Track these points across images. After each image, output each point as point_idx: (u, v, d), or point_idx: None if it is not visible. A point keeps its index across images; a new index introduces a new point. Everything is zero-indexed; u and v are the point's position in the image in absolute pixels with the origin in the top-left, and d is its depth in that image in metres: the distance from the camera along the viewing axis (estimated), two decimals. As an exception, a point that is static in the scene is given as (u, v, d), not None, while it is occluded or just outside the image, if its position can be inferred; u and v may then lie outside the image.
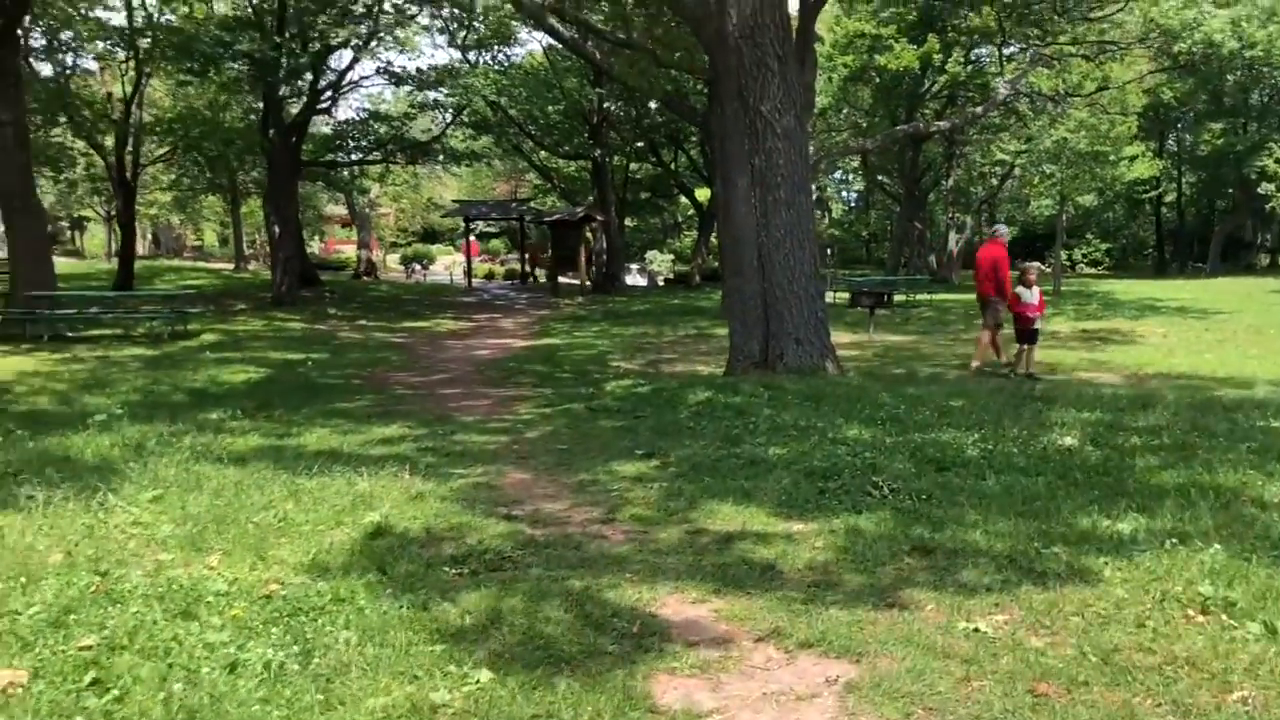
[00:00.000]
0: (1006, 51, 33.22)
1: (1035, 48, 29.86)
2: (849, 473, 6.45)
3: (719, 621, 4.10)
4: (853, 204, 65.09)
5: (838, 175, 58.16)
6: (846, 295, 26.12)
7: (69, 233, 66.22)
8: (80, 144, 31.30)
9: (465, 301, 31.47)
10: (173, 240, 65.92)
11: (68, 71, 30.84)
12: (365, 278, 41.77)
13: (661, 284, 40.45)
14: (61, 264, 48.22)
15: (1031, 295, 13.04)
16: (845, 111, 41.21)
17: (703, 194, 40.65)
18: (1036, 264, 15.40)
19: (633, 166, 41.31)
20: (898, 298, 27.46)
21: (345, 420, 9.45)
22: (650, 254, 46.35)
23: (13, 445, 7.53)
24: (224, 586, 4.28)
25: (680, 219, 53.58)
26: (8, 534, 5.09)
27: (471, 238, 54.66)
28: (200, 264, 51.56)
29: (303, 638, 3.70)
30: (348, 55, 28.98)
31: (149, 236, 67.65)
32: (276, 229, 28.55)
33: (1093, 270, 52.52)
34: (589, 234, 36.58)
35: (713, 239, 35.52)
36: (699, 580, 4.57)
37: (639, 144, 38.42)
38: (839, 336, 15.41)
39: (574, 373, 14.13)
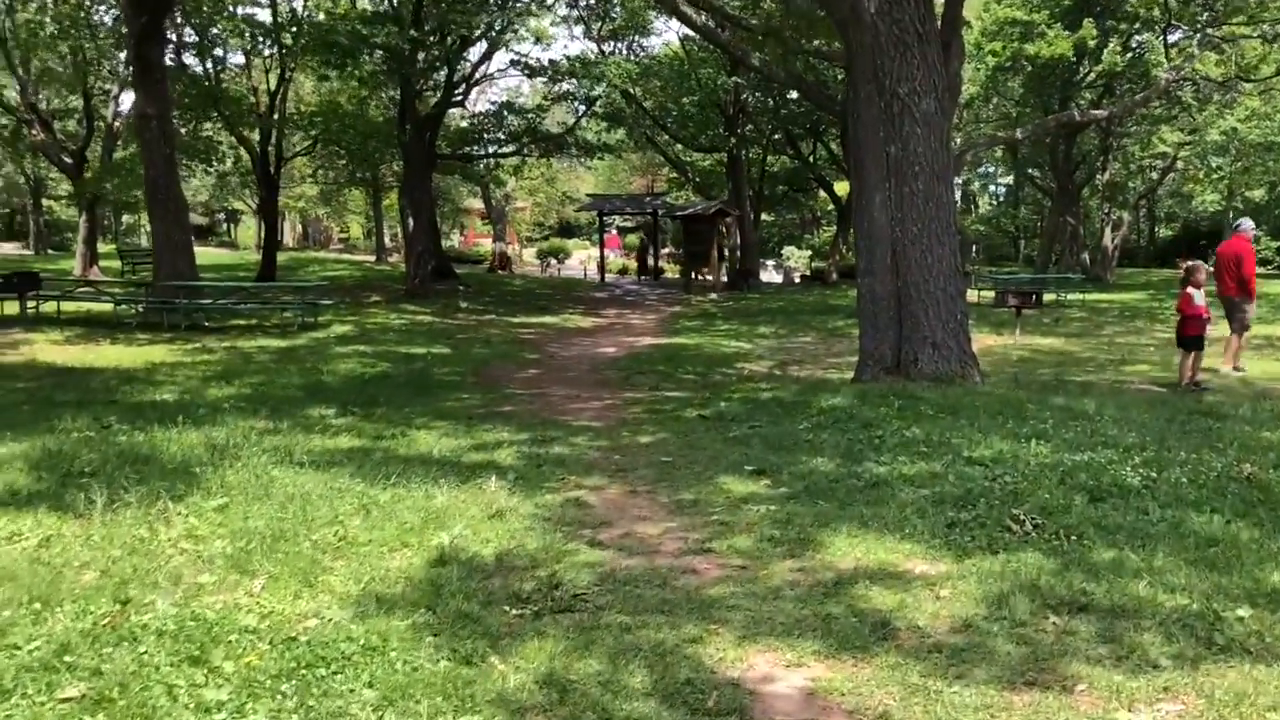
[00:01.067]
0: (1171, 37, 30.98)
1: (1204, 31, 27.69)
2: (986, 501, 5.61)
3: (815, 696, 3.38)
4: (1000, 198, 62.48)
5: (984, 169, 55.88)
6: (991, 294, 24.69)
7: (225, 225, 69.19)
8: (230, 138, 32.21)
9: (597, 297, 31.15)
10: (320, 233, 68.06)
11: (219, 68, 31.76)
12: (500, 271, 41.99)
13: (797, 281, 39.36)
14: (215, 255, 50.50)
15: (1200, 298, 11.75)
16: (995, 102, 39.32)
17: (842, 188, 39.34)
18: (1203, 263, 14.01)
19: (769, 159, 40.32)
20: (1047, 297, 25.80)
21: (448, 421, 9.02)
22: (787, 250, 45.27)
23: (104, 441, 7.31)
24: (253, 622, 3.80)
25: (818, 214, 52.27)
26: (53, 544, 4.75)
27: (613, 231, 54.62)
28: (345, 256, 52.99)
29: (310, 699, 3.15)
30: (481, 47, 28.94)
31: (299, 229, 70.14)
32: (410, 222, 28.80)
33: (1263, 270, 48.94)
34: (723, 229, 35.83)
35: (851, 234, 34.38)
36: (799, 636, 3.87)
37: (776, 136, 37.43)
38: (981, 339, 14.33)
39: (695, 374, 13.48)
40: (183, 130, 31.81)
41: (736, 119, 33.90)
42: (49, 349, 15.54)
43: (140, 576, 4.30)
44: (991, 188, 63.34)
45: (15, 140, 39.76)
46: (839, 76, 26.53)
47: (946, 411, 8.39)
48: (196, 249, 58.32)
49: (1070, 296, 27.50)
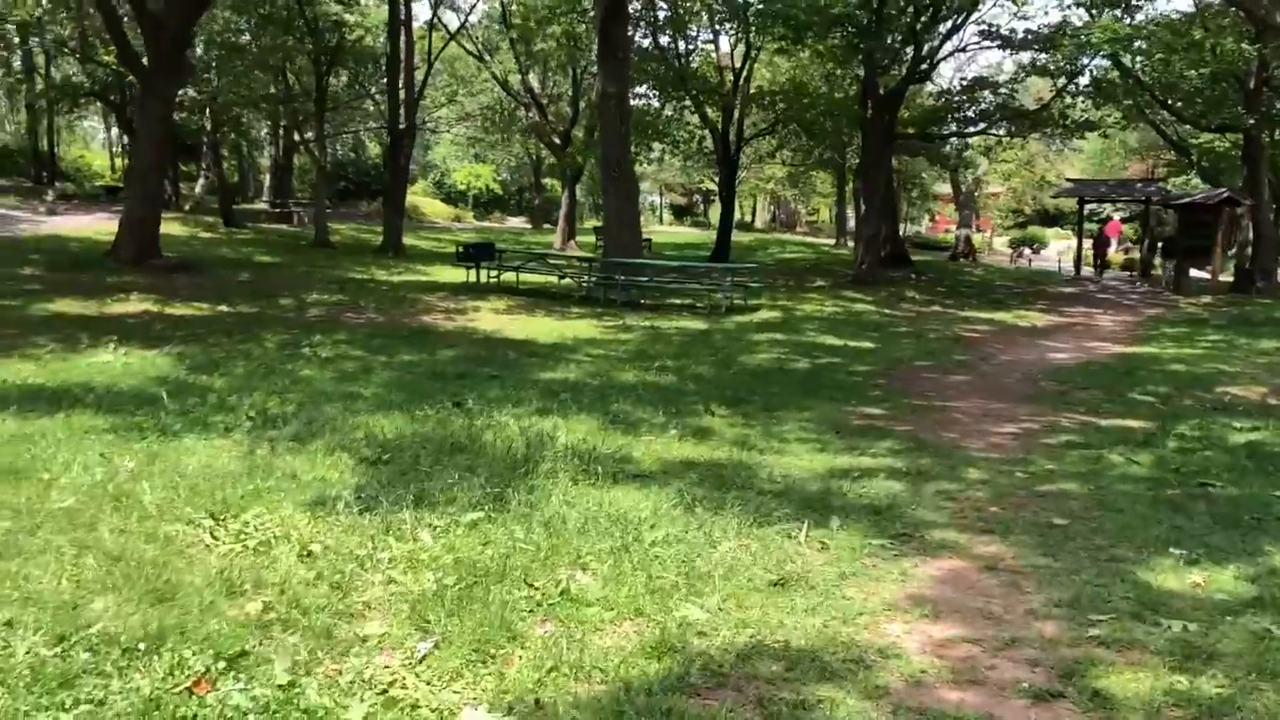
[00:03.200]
0: None
1: None
2: None
3: None
4: None
5: None
6: None
7: (700, 204, 72.06)
8: (695, 118, 32.78)
9: (1066, 293, 27.90)
10: (788, 215, 68.66)
11: (690, 47, 32.41)
12: (961, 259, 39.38)
13: (1327, 286, 32.78)
14: (685, 234, 52.63)
15: None
16: None
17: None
18: None
19: (1301, 142, 33.87)
20: None
21: (819, 432, 7.75)
22: (1317, 248, 37.95)
23: (443, 423, 6.93)
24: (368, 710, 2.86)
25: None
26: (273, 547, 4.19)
27: (1116, 218, 49.21)
28: (808, 239, 52.82)
29: None
30: (952, 20, 26.71)
31: (769, 211, 71.36)
32: (863, 204, 27.50)
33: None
34: (1231, 221, 30.58)
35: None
36: None
37: (1311, 113, 31.25)
38: None
39: (1154, 397, 10.96)
40: (652, 108, 32.96)
41: (1259, 94, 28.61)
42: (489, 317, 16.29)
43: (300, 619, 3.57)
44: None
45: (511, 122, 43.83)
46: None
47: None
48: (672, 228, 61.36)
49: None
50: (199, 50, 30.55)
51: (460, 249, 21.32)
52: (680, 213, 70.64)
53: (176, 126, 34.83)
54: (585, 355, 12.28)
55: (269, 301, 16.54)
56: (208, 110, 32.43)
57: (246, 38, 32.21)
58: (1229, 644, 3.77)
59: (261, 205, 42.35)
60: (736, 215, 60.04)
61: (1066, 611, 4.12)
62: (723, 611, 3.86)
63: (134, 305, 14.59)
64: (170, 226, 31.11)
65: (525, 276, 21.60)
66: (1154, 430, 8.15)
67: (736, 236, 42.56)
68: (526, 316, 16.59)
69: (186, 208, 37.20)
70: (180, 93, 28.99)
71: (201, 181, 39.62)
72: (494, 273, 21.25)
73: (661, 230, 55.38)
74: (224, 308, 15.30)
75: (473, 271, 21.01)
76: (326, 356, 10.54)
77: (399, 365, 10.19)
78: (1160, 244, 35.43)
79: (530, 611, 3.75)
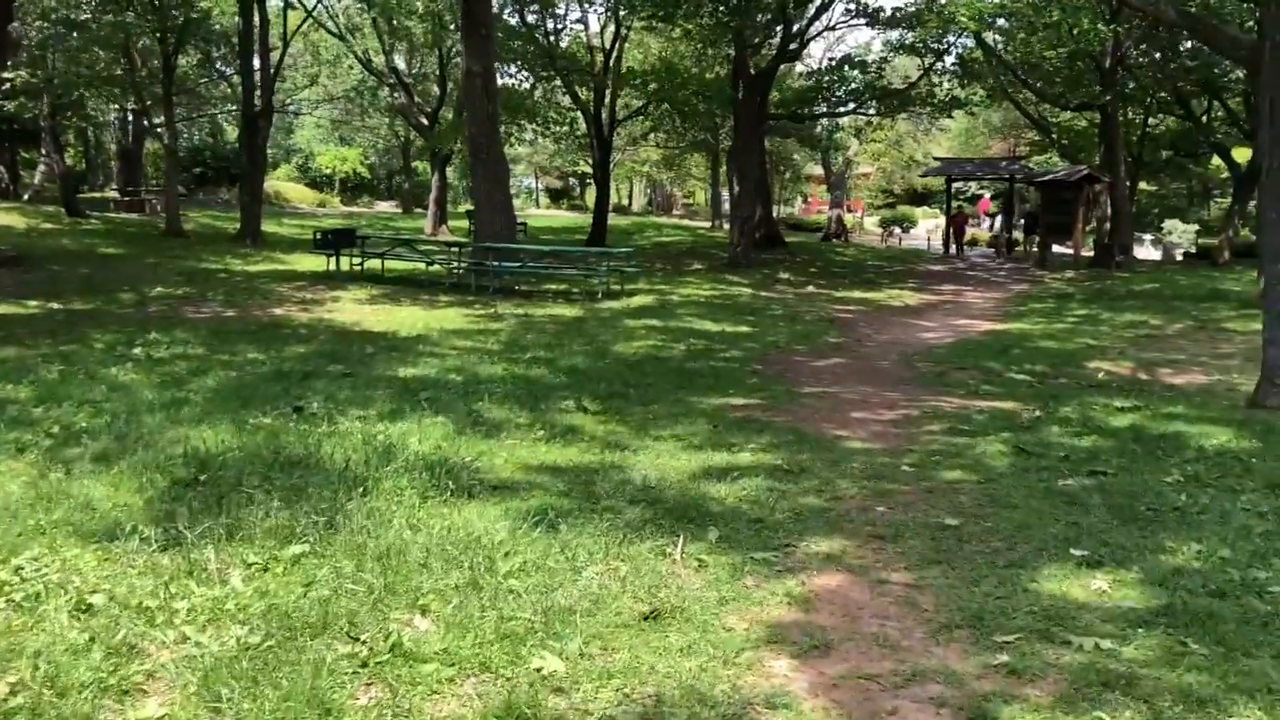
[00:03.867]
0: None
1: None
2: None
3: None
4: None
5: None
6: None
7: (576, 188, 71.25)
8: (566, 98, 32.05)
9: (935, 270, 28.23)
10: (664, 198, 68.45)
11: (559, 26, 31.65)
12: (834, 240, 39.68)
13: (1179, 259, 34.07)
14: (562, 217, 51.81)
15: None
16: None
17: (1242, 154, 33.47)
18: None
19: (1151, 121, 35.00)
20: None
21: (693, 426, 7.26)
22: (1169, 223, 39.45)
23: (275, 435, 6.20)
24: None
25: (1211, 184, 45.36)
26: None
27: (986, 196, 50.18)
28: (684, 222, 52.57)
29: None
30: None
31: (646, 194, 71.02)
32: (735, 187, 27.25)
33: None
34: (1090, 198, 31.45)
35: (1250, 208, 28.94)
36: None
37: (1161, 94, 32.26)
38: None
39: (1031, 375, 10.85)
40: (522, 88, 32.11)
41: (1114, 73, 29.40)
42: (349, 308, 15.39)
43: (68, 689, 2.87)
44: None
45: (375, 103, 42.31)
46: (1248, 22, 22.00)
47: None
48: (548, 211, 60.46)
49: None
50: (28, 28, 28.35)
51: (318, 236, 20.18)
52: (556, 196, 69.71)
53: (6, 109, 32.56)
54: (450, 348, 11.56)
55: (107, 297, 15.29)
56: (43, 94, 30.25)
57: (85, 15, 30.14)
58: (1145, 666, 3.39)
59: (111, 193, 39.94)
60: (614, 199, 59.60)
61: (969, 633, 3.70)
62: (585, 658, 3.30)
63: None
64: (8, 217, 29.02)
65: (392, 264, 20.66)
66: (1039, 413, 7.90)
67: (613, 220, 42.00)
68: (391, 306, 15.74)
69: (25, 197, 34.84)
70: (10, 74, 26.97)
71: (41, 169, 37.14)
72: (357, 260, 20.24)
73: (537, 214, 54.42)
74: (54, 305, 14.06)
75: (333, 260, 19.95)
76: (159, 357, 9.59)
77: (239, 365, 9.32)
78: (1024, 220, 36.29)
79: (352, 674, 3.12)
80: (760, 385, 9.72)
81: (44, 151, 36.07)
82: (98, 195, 39.85)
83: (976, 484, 5.71)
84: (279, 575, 3.91)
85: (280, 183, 51.67)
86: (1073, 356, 12.79)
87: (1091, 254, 31.16)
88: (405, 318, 14.33)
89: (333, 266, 19.92)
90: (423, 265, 20.39)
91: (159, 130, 32.88)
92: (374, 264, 20.18)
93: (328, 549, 4.15)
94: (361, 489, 4.92)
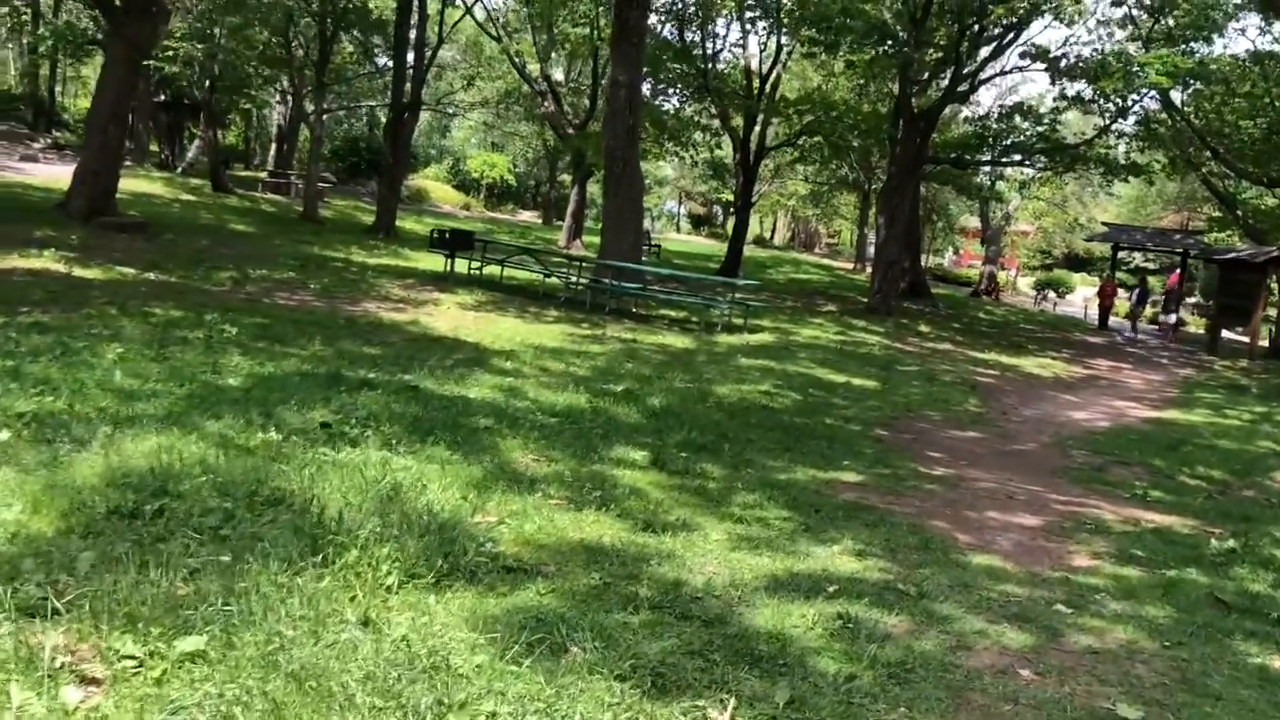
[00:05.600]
0: None
1: None
2: None
3: None
4: None
5: None
6: None
7: (719, 215, 70.10)
8: (715, 121, 30.92)
9: (1091, 343, 25.95)
10: (808, 234, 66.72)
11: (716, 46, 30.59)
12: (984, 296, 37.47)
13: (1366, 362, 30.79)
14: (698, 243, 50.70)
15: None
16: None
17: None
18: None
19: (1352, 208, 31.81)
20: None
21: (789, 506, 5.89)
22: (1353, 321, 35.81)
23: (262, 457, 5.09)
24: None
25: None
26: None
27: (1177, 271, 46.59)
28: (825, 261, 50.87)
29: None
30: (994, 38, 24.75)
31: (790, 229, 69.38)
32: (883, 229, 25.61)
33: None
34: (1275, 283, 28.66)
35: None
36: None
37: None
38: None
39: (1207, 484, 9.07)
40: (667, 106, 31.12)
41: (1317, 149, 26.67)
42: (449, 312, 14.46)
43: None
44: None
45: (529, 110, 41.93)
46: None
47: None
48: (688, 237, 59.57)
49: None
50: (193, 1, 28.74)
51: (435, 235, 19.44)
52: (698, 223, 68.79)
53: (173, 84, 33.22)
54: (537, 367, 10.42)
55: (207, 272, 14.73)
56: (202, 67, 30.66)
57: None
58: None
59: (262, 174, 40.61)
60: (756, 231, 58.23)
61: None
62: None
63: (37, 262, 12.77)
64: (156, 186, 29.46)
65: (512, 272, 19.79)
66: (1230, 542, 6.23)
67: (752, 252, 40.68)
68: (494, 315, 14.74)
69: (179, 169, 35.55)
70: (174, 45, 27.31)
71: (197, 143, 37.95)
72: (476, 264, 19.42)
73: (676, 238, 53.50)
74: (150, 275, 13.49)
75: (451, 261, 19.18)
76: (216, 341, 8.70)
77: (295, 360, 8.35)
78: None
79: None
80: (881, 457, 8.24)
81: (202, 126, 36.82)
82: (249, 174, 40.56)
83: (1160, 650, 4.16)
84: (147, 684, 2.73)
85: (429, 181, 52.03)
86: (1256, 464, 10.85)
87: (1270, 344, 28.37)
88: (503, 330, 13.28)
89: (450, 268, 19.16)
90: (540, 277, 19.45)
91: (309, 115, 33.09)
92: (494, 270, 19.33)
93: (231, 650, 2.95)
94: (321, 556, 3.71)
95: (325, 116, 40.55)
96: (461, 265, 19.35)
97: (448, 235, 19.06)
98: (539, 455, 6.13)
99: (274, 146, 45.55)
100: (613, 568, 4.25)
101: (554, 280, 19.17)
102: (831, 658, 3.61)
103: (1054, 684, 3.70)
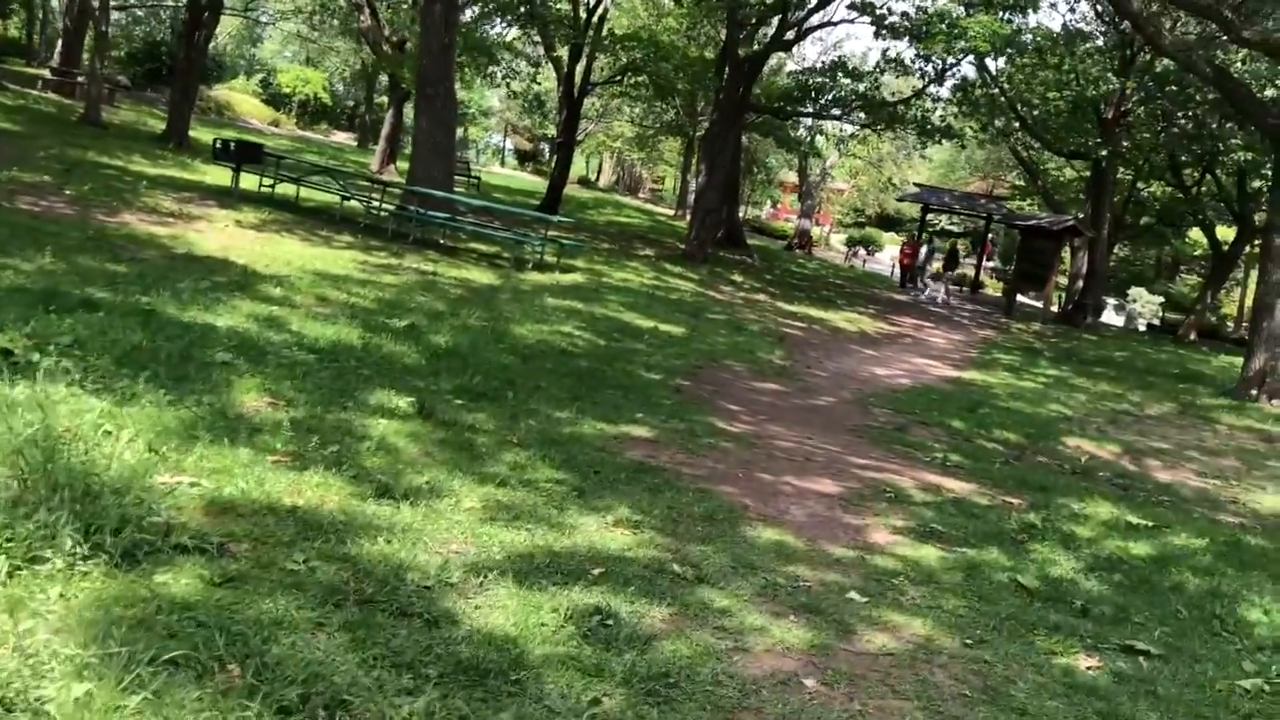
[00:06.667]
0: None
1: None
2: None
3: None
4: None
5: None
6: None
7: (545, 153, 68.69)
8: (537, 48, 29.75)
9: (897, 300, 26.41)
10: (632, 178, 66.19)
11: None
12: (798, 250, 37.83)
13: (1142, 329, 32.69)
14: (522, 179, 49.34)
15: None
16: None
17: (1227, 233, 32.16)
18: None
19: (1140, 184, 33.43)
20: None
21: (565, 467, 5.19)
22: (1134, 291, 38.02)
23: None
24: None
25: (1181, 260, 44.17)
26: None
27: (990, 238, 48.16)
28: (647, 206, 50.36)
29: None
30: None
31: (615, 173, 68.63)
32: (703, 177, 25.19)
33: None
34: (1069, 251, 29.91)
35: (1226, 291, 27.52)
36: None
37: (1157, 155, 30.66)
38: None
39: (1004, 448, 8.93)
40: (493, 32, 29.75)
41: (1114, 128, 27.74)
42: (224, 231, 13.04)
43: None
44: None
45: (345, 24, 39.51)
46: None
47: None
48: (513, 171, 57.96)
49: None
50: None
51: (218, 144, 17.71)
52: (525, 158, 67.15)
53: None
54: (309, 295, 9.34)
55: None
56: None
57: None
58: None
59: (44, 72, 36.72)
60: (581, 172, 57.17)
61: None
62: None
63: None
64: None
65: (311, 193, 18.29)
66: (1030, 516, 5.90)
67: (574, 191, 39.69)
68: (276, 237, 13.39)
69: (-59, 61, 31.74)
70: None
71: (-37, 31, 33.98)
72: (269, 182, 17.81)
73: (501, 172, 51.89)
74: None
75: (236, 176, 17.50)
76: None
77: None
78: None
79: None
80: (677, 410, 7.63)
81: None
82: (32, 71, 36.64)
83: (960, 650, 3.66)
84: None
85: (235, 93, 48.53)
86: (1048, 427, 10.90)
87: (1059, 310, 29.67)
88: (283, 253, 12.03)
89: (236, 184, 17.48)
90: (339, 200, 18.03)
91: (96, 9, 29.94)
92: (289, 190, 17.77)
93: None
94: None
95: (120, 13, 37.11)
96: (251, 182, 17.69)
97: (232, 146, 17.34)
98: (276, 399, 5.20)
99: (59, 42, 41.38)
100: (324, 546, 3.42)
101: (354, 204, 17.78)
102: (578, 671, 2.90)
103: (841, 698, 3.12)
